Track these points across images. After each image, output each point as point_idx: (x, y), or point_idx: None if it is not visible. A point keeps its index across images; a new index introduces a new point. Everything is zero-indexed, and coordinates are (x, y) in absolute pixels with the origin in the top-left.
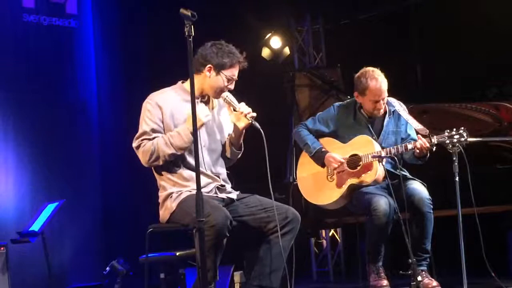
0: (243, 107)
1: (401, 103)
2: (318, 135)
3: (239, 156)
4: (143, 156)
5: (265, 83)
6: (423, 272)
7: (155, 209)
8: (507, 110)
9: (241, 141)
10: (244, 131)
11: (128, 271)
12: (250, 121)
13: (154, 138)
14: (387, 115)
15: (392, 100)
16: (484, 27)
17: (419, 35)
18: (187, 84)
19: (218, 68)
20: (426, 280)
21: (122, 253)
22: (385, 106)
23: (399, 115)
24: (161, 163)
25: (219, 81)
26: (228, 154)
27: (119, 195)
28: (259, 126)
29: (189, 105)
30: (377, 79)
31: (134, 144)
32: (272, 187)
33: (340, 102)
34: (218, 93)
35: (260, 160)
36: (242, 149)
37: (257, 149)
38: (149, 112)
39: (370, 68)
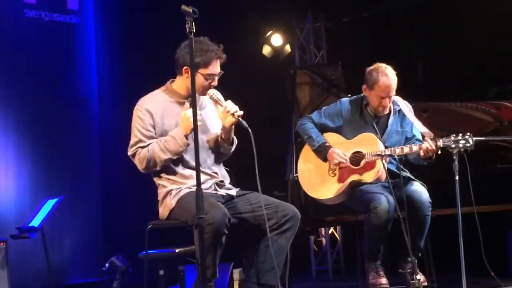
0: (230, 105)
1: (407, 103)
2: (323, 129)
3: (233, 150)
4: (139, 164)
5: (265, 81)
6: None
7: (154, 206)
8: (508, 109)
9: (232, 136)
10: (233, 127)
11: (128, 268)
12: (237, 120)
13: (148, 145)
14: (392, 114)
15: (398, 99)
16: (485, 26)
17: (420, 33)
18: (175, 85)
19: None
20: None
21: (122, 249)
22: (390, 105)
23: (404, 115)
24: (158, 168)
25: (198, 81)
26: (221, 150)
27: (119, 192)
28: (246, 125)
29: (179, 107)
30: (388, 76)
31: (129, 153)
32: (272, 184)
33: (347, 98)
34: (202, 91)
35: (259, 158)
36: (235, 143)
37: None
38: (140, 120)
39: (384, 64)
